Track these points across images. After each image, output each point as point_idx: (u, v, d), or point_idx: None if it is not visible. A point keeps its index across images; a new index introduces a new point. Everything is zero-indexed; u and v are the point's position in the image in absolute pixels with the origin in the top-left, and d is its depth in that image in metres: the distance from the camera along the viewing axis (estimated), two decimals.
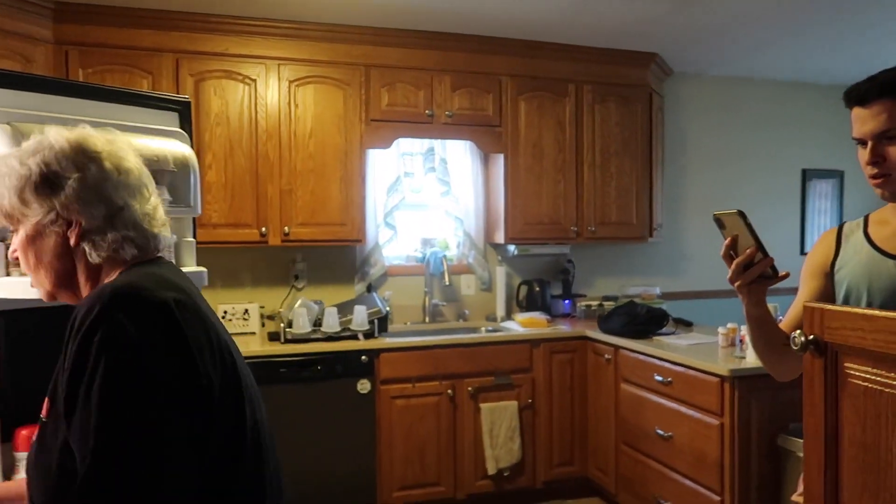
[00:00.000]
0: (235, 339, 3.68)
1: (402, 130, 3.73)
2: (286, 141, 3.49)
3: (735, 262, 1.34)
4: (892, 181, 1.33)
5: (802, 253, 4.97)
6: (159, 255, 1.12)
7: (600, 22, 3.57)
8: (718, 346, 3.11)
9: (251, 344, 3.39)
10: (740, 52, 4.16)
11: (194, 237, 1.83)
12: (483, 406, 3.53)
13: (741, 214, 1.32)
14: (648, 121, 4.23)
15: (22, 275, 1.43)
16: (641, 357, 3.28)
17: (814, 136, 4.98)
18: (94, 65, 3.18)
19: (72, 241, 1.03)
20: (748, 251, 1.32)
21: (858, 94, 1.34)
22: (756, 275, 1.33)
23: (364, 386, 3.35)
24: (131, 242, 1.05)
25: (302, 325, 3.41)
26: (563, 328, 3.84)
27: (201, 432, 0.94)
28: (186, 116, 1.80)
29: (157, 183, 1.67)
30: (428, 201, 4.17)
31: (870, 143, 1.33)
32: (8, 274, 1.40)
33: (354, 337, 3.43)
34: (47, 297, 1.08)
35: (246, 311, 3.67)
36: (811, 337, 1.01)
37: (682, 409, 2.97)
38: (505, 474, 3.56)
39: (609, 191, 4.13)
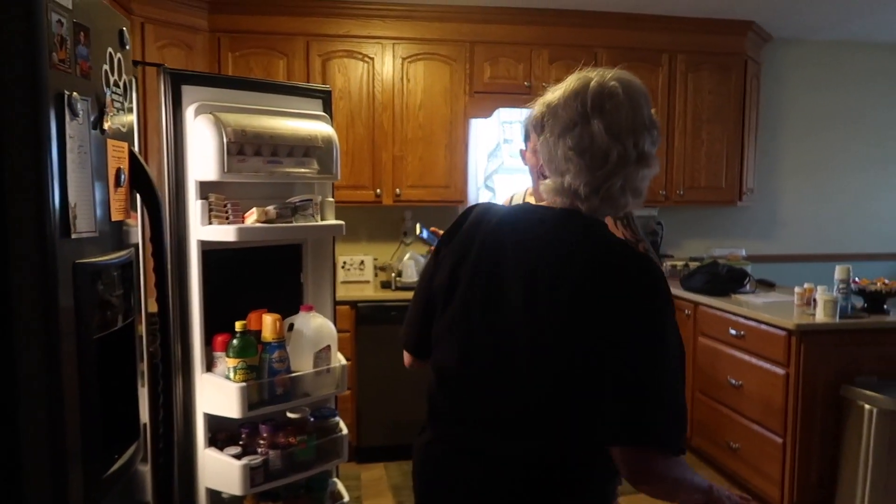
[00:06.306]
0: (352, 286, 4.23)
1: (502, 101, 4.08)
2: (399, 112, 3.95)
3: None
4: None
5: None
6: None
7: None
8: (794, 305, 3.31)
9: (366, 290, 3.93)
10: (842, 15, 4.17)
11: (333, 198, 2.31)
12: None
13: None
14: (742, 88, 4.35)
15: (220, 223, 1.95)
16: (718, 313, 3.54)
17: None
18: (241, 49, 3.74)
19: None
20: None
21: None
22: None
23: None
24: None
25: (410, 275, 3.91)
26: None
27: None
28: (328, 102, 2.26)
29: (308, 157, 2.17)
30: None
31: None
32: (210, 223, 1.92)
33: None
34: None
35: (362, 262, 4.21)
36: None
37: (753, 360, 3.23)
38: None
39: (699, 156, 4.32)
